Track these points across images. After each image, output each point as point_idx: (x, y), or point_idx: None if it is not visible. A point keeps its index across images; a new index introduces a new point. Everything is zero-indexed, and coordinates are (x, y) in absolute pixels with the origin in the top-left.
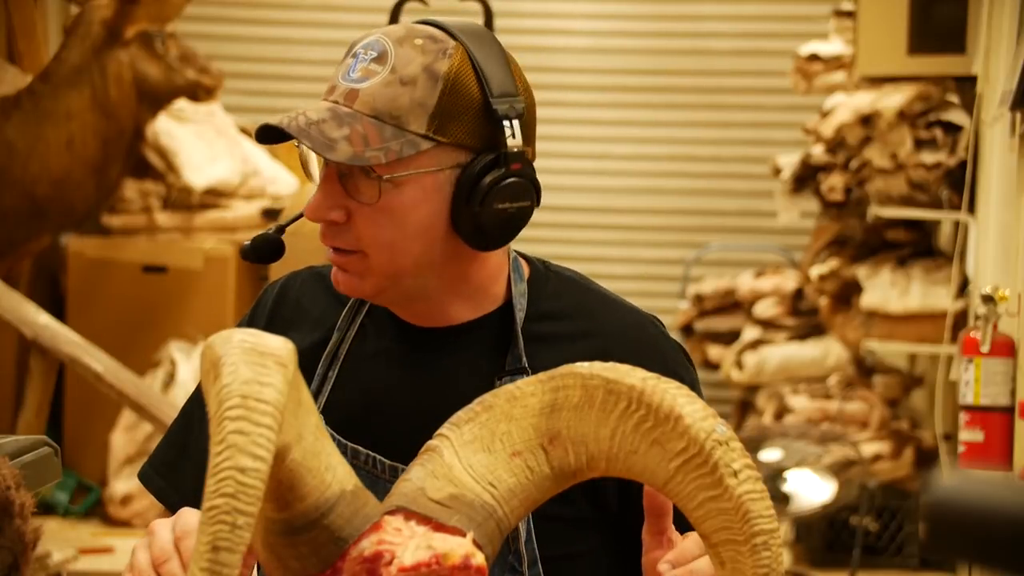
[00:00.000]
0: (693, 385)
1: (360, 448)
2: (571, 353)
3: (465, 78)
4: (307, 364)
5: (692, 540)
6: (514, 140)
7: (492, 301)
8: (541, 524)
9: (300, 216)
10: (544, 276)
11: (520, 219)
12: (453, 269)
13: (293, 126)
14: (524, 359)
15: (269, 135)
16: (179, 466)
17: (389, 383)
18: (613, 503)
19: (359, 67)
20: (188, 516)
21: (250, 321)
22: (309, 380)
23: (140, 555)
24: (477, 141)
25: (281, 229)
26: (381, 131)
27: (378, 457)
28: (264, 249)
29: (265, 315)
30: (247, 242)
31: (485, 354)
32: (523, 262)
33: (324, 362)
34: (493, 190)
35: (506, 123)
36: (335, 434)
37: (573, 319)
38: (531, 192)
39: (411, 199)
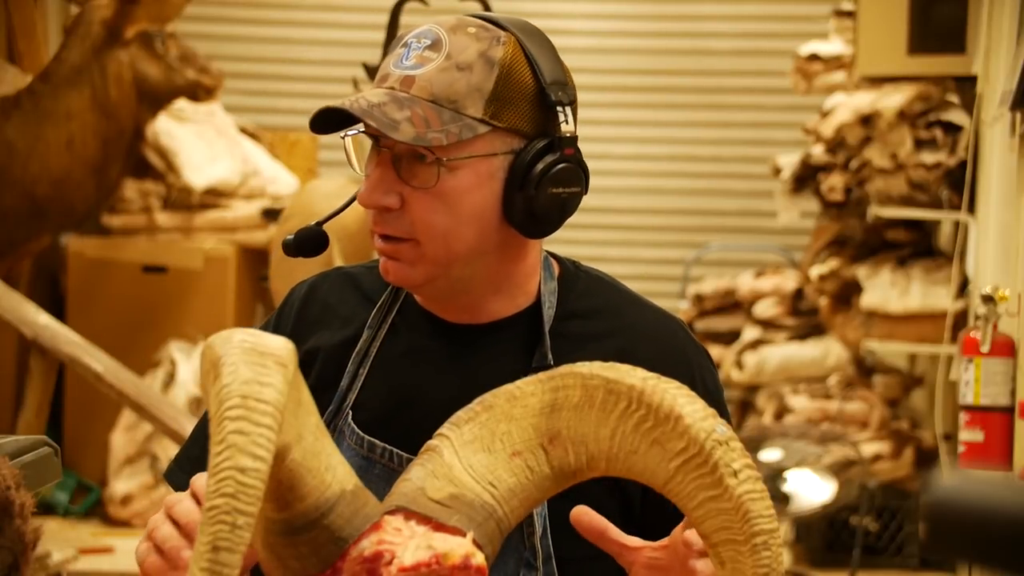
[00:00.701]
0: (717, 390)
1: (377, 442)
2: (598, 352)
3: (519, 65)
4: (337, 361)
5: (704, 563)
6: (567, 126)
7: (525, 298)
8: (563, 524)
9: (345, 208)
10: (574, 275)
11: (571, 205)
12: (500, 259)
13: (356, 108)
14: (550, 356)
15: (323, 124)
16: (204, 462)
17: (420, 380)
18: (637, 503)
19: (412, 55)
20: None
21: (276, 321)
22: (339, 377)
23: (154, 518)
24: (531, 127)
25: (323, 222)
26: (440, 114)
27: (395, 450)
28: (308, 243)
29: (293, 315)
30: (290, 236)
31: (515, 352)
32: (553, 261)
33: (355, 360)
34: (547, 175)
35: (559, 109)
36: (356, 428)
37: (601, 318)
38: (582, 178)
39: (466, 184)
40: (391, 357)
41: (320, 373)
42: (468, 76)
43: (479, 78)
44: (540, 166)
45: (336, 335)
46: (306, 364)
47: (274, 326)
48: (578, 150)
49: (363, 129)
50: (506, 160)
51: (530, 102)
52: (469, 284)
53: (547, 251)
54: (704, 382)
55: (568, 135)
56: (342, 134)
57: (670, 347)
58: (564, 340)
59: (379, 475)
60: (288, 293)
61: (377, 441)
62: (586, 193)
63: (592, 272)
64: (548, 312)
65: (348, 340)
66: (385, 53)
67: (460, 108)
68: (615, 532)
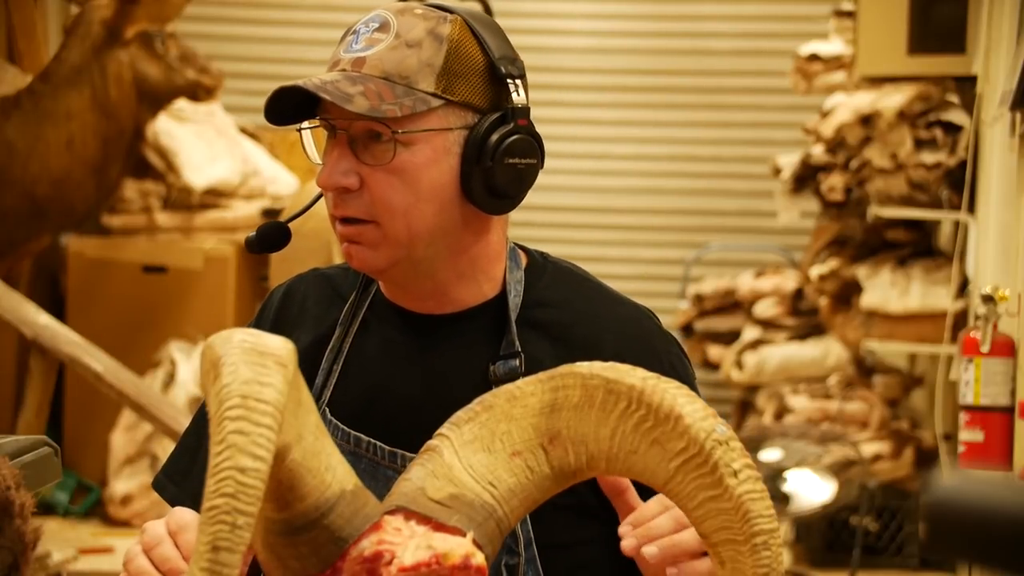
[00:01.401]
0: (688, 378)
1: (362, 436)
2: (564, 341)
3: (467, 41)
4: (312, 361)
5: (655, 500)
6: (519, 97)
7: (491, 287)
8: (545, 511)
9: (313, 204)
10: (542, 266)
11: (529, 177)
12: (461, 240)
13: (309, 84)
14: (517, 343)
15: (277, 113)
16: (192, 473)
17: (392, 372)
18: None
19: (362, 39)
20: (182, 513)
21: (256, 324)
22: (314, 376)
23: (131, 548)
24: (483, 101)
25: (291, 220)
26: (393, 89)
27: (379, 444)
28: (270, 237)
29: (271, 317)
30: (251, 234)
31: (483, 340)
32: (521, 252)
33: (328, 357)
34: (503, 145)
35: (510, 81)
36: (339, 424)
37: (568, 308)
38: (537, 149)
39: (423, 159)
40: (363, 352)
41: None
42: (418, 52)
43: (429, 53)
44: (495, 137)
45: (311, 334)
46: None
47: (253, 328)
48: (531, 122)
49: (318, 122)
50: (461, 135)
51: (480, 76)
52: (432, 267)
53: (515, 243)
54: (675, 369)
55: (520, 106)
56: (299, 127)
57: (636, 336)
58: (530, 329)
59: (364, 470)
60: (267, 295)
61: (362, 436)
62: (542, 167)
63: (561, 263)
64: (514, 300)
65: (322, 339)
66: None
67: (412, 83)
68: (633, 495)
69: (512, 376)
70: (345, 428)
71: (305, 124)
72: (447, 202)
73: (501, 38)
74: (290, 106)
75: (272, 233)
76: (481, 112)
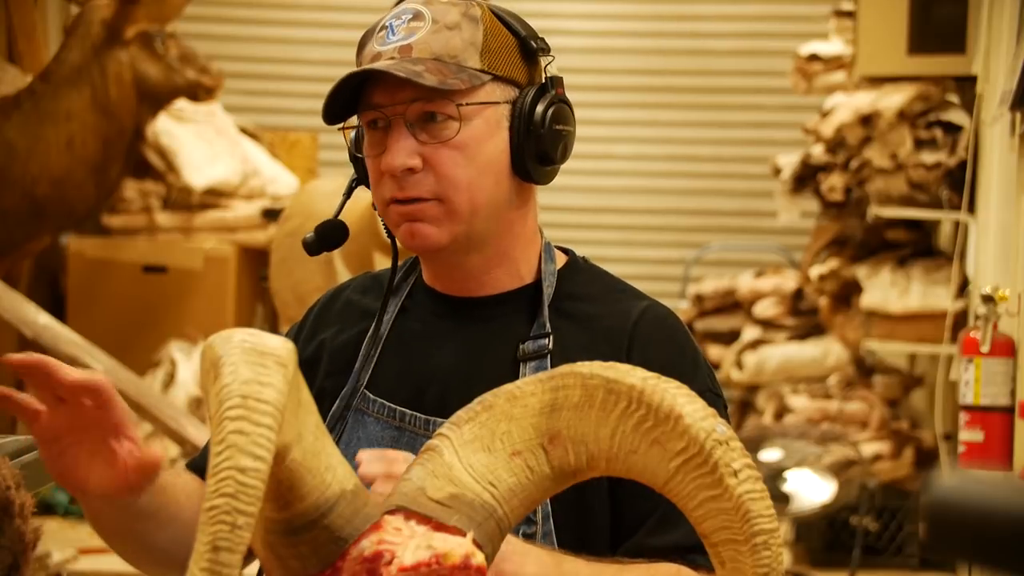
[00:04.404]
0: (711, 377)
1: (406, 410)
2: (592, 331)
3: (496, 23)
4: (354, 348)
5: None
6: (552, 70)
7: (527, 271)
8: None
9: (348, 197)
10: (578, 266)
11: (571, 143)
12: (508, 214)
13: (380, 66)
14: (548, 325)
15: (335, 110)
16: None
17: (429, 350)
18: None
19: (399, 30)
20: None
21: (300, 324)
22: (354, 361)
23: None
24: (521, 75)
25: (338, 212)
26: (447, 67)
27: (423, 416)
28: (329, 236)
29: (315, 314)
30: (309, 235)
31: (516, 322)
32: (560, 252)
33: (367, 342)
34: (550, 113)
35: (542, 56)
36: (384, 401)
37: (598, 302)
38: (572, 117)
39: (481, 133)
40: (403, 335)
41: (332, 362)
42: (460, 33)
43: (469, 33)
44: (541, 107)
45: (356, 327)
46: (315, 361)
47: (297, 328)
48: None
49: (378, 114)
50: (507, 108)
51: (515, 52)
52: (484, 242)
53: (557, 245)
54: (698, 366)
55: (557, 76)
56: (353, 123)
57: (663, 331)
58: (561, 317)
59: (407, 444)
60: (316, 301)
61: (407, 410)
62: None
63: (596, 267)
64: (548, 289)
65: (365, 330)
66: None
67: (461, 62)
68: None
69: (540, 354)
70: (390, 404)
71: (353, 120)
72: (500, 174)
73: (520, 20)
74: (338, 103)
75: (330, 232)
76: (519, 86)
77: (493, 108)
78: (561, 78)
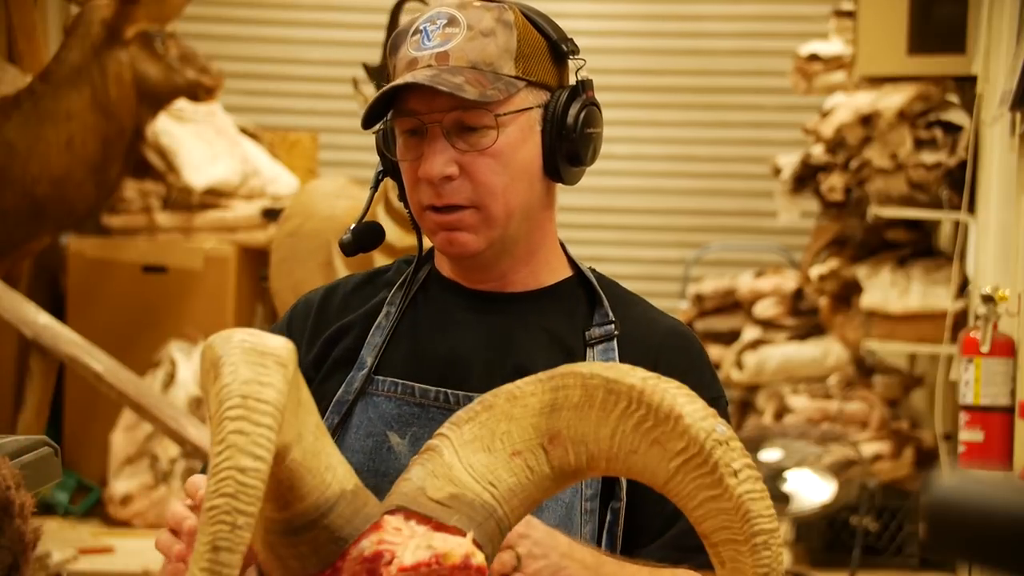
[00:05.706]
0: (719, 387)
1: (428, 387)
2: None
3: (528, 27)
4: (361, 337)
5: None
6: (582, 73)
7: (547, 274)
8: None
9: (373, 195)
10: (593, 275)
11: (599, 145)
12: (538, 215)
13: (422, 79)
14: (611, 313)
15: (373, 116)
16: None
17: (448, 333)
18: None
19: (434, 36)
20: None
21: (288, 322)
22: (359, 350)
23: (175, 507)
24: (552, 79)
25: (367, 206)
26: (485, 76)
27: (449, 391)
28: (366, 237)
29: (312, 314)
30: (346, 235)
31: (550, 313)
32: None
33: (375, 332)
34: (582, 116)
35: (571, 59)
36: (401, 380)
37: (618, 308)
38: (601, 120)
39: (515, 140)
40: (415, 322)
41: (350, 346)
42: (494, 40)
43: (503, 40)
44: (573, 110)
45: (359, 317)
46: (333, 340)
47: (284, 328)
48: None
49: (416, 122)
50: (539, 113)
51: (547, 56)
52: (515, 244)
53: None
54: (708, 374)
55: (588, 79)
56: (393, 127)
57: (678, 339)
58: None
59: (432, 419)
60: (298, 301)
61: (429, 387)
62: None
63: (607, 278)
64: (594, 281)
65: (370, 319)
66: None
67: (497, 69)
68: None
69: (608, 337)
70: (409, 382)
71: (394, 125)
72: (533, 177)
73: (551, 21)
74: (376, 111)
75: (366, 234)
76: (551, 90)
77: (527, 114)
78: (591, 80)
